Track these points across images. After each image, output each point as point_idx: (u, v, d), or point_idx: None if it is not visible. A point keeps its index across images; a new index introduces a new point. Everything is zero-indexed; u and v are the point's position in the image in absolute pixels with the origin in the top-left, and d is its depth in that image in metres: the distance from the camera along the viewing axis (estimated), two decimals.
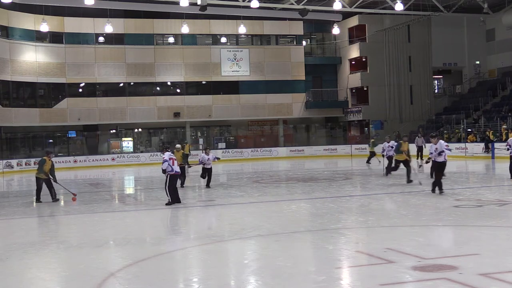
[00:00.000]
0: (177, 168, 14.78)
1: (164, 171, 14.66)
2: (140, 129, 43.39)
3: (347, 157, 38.96)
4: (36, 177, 16.75)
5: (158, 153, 39.52)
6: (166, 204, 14.53)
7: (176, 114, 41.26)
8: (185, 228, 11.71)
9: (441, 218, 11.65)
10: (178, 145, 16.80)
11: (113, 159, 38.24)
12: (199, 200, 16.72)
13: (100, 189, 20.87)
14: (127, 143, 41.69)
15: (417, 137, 32.11)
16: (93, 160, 37.63)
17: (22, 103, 38.97)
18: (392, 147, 20.81)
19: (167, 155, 14.67)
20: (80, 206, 15.46)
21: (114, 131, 41.71)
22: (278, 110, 43.41)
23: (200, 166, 19.69)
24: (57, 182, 16.77)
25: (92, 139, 41.29)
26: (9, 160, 34.91)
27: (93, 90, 40.70)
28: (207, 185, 19.02)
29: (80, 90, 40.60)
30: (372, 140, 31.46)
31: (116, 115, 40.37)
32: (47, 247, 9.74)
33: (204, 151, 19.71)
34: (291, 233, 10.16)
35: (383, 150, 21.57)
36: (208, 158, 19.05)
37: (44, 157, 16.91)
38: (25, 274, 7.90)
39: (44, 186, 16.60)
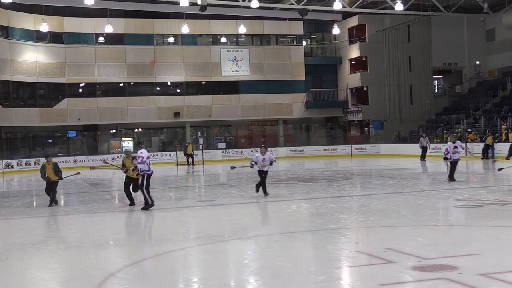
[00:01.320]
0: (152, 167, 13.78)
1: (141, 170, 13.43)
2: (140, 129, 43.39)
3: (347, 157, 38.95)
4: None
5: (158, 153, 39.70)
6: (143, 209, 13.49)
7: (176, 114, 41.26)
8: (185, 228, 11.70)
9: (441, 218, 11.66)
10: (127, 150, 14.28)
11: (113, 159, 38.15)
12: (199, 200, 16.71)
13: (100, 189, 20.87)
14: (127, 143, 41.68)
15: (421, 138, 31.84)
16: (93, 160, 37.53)
17: (22, 103, 38.97)
18: (456, 147, 17.49)
19: (145, 153, 13.54)
20: (80, 206, 15.46)
21: (114, 131, 41.72)
22: (278, 110, 43.41)
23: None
24: (62, 178, 15.99)
25: (92, 139, 41.30)
26: (9, 160, 34.90)
27: (93, 90, 40.71)
28: (265, 192, 15.60)
29: (80, 90, 40.61)
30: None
31: (116, 115, 40.38)
32: (47, 247, 9.73)
33: (260, 149, 15.94)
34: (291, 233, 10.15)
35: (447, 152, 17.64)
36: (264, 159, 15.40)
37: (43, 163, 16.11)
38: (25, 274, 7.89)
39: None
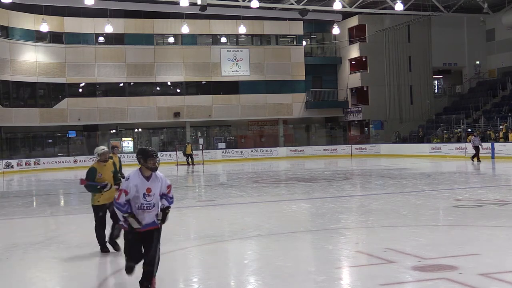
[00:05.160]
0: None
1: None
2: (140, 129, 43.40)
3: (347, 157, 38.95)
4: (94, 206, 9.52)
5: (158, 153, 39.68)
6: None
7: (176, 114, 41.26)
8: (185, 228, 11.69)
9: (441, 218, 11.65)
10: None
11: None
12: (199, 200, 16.71)
13: None
14: (127, 143, 41.69)
15: (473, 137, 30.42)
16: (93, 160, 37.42)
17: (22, 103, 38.97)
18: None
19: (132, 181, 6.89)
20: (80, 206, 15.45)
21: (114, 131, 41.72)
22: (278, 110, 43.42)
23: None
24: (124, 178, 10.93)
25: (92, 139, 41.28)
26: (9, 160, 34.90)
27: (93, 90, 40.72)
28: None
29: (80, 90, 40.62)
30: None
31: (116, 115, 40.38)
32: (47, 247, 9.72)
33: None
34: (291, 233, 10.14)
35: None
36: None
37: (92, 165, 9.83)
38: (25, 274, 7.89)
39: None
